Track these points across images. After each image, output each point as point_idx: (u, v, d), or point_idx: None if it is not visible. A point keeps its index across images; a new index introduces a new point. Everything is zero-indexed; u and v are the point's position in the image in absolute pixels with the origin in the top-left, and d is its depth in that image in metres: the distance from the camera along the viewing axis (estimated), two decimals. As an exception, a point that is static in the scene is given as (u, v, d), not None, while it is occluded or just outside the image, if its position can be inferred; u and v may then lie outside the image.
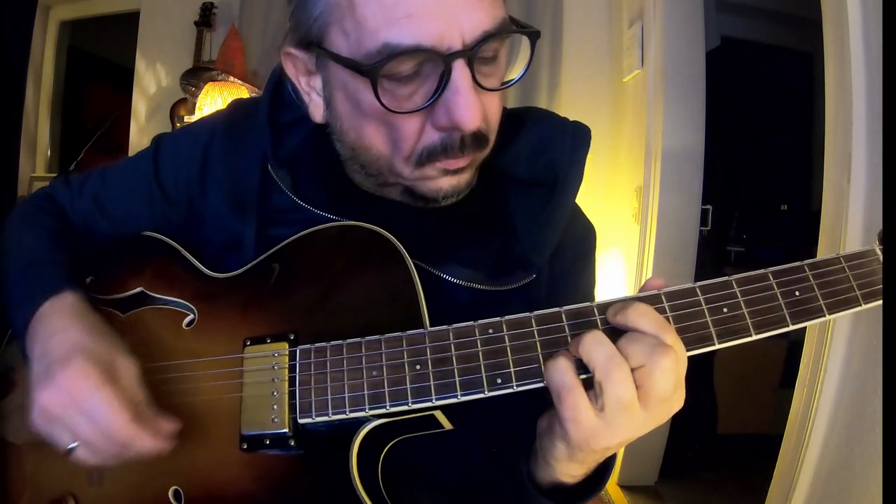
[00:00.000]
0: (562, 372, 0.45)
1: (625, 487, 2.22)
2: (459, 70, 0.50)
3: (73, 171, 2.94)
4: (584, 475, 0.53)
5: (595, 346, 0.45)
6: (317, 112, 0.61)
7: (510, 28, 0.53)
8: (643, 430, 0.46)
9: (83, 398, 0.50)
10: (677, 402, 0.46)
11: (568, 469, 0.51)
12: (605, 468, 0.54)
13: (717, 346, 0.48)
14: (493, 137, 0.59)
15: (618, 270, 2.35)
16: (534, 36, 0.55)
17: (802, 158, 3.04)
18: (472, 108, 0.51)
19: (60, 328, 0.55)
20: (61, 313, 0.57)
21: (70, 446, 0.51)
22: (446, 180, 0.59)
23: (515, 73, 0.60)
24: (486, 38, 0.51)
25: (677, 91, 2.04)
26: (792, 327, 0.48)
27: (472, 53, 0.50)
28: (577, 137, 0.66)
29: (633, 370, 0.44)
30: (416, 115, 0.53)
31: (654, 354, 0.44)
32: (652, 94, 2.08)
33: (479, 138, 0.56)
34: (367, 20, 0.50)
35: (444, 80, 0.51)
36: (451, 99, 0.51)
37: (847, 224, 1.12)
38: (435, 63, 0.51)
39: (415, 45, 0.49)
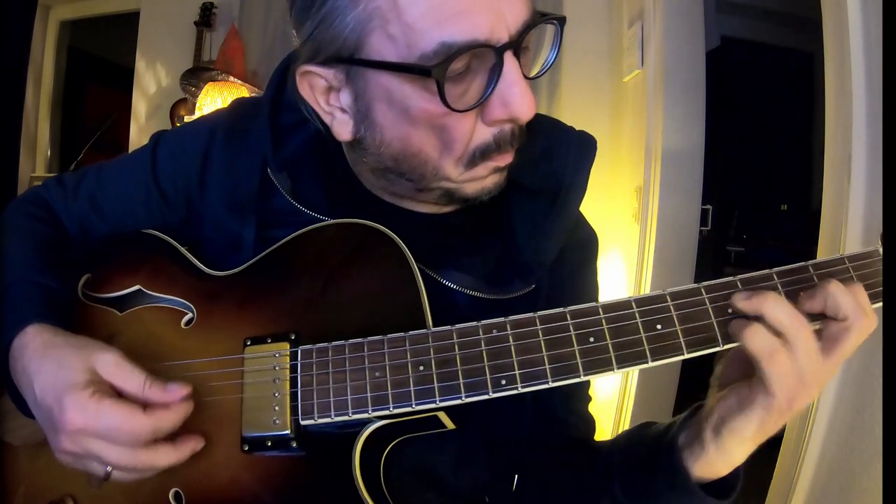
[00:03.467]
0: (763, 335, 0.46)
1: (625, 487, 2.22)
2: (510, 62, 0.51)
3: (72, 171, 2.93)
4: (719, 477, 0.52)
5: (779, 307, 0.47)
6: (343, 130, 0.58)
7: (541, 17, 0.53)
8: (823, 383, 0.49)
9: (92, 426, 0.50)
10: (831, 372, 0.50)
11: (743, 449, 0.51)
12: (735, 476, 0.54)
13: (723, 348, 0.48)
14: None
15: (618, 271, 2.34)
16: (561, 22, 0.55)
17: (802, 158, 3.05)
18: (527, 97, 0.52)
19: (34, 371, 0.53)
20: (29, 353, 0.55)
21: (107, 470, 0.52)
22: (491, 178, 0.59)
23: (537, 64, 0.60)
24: (528, 27, 0.51)
25: (677, 91, 2.03)
26: (797, 327, 0.48)
27: (518, 44, 0.51)
28: (582, 147, 0.66)
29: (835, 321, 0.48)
30: (469, 114, 0.53)
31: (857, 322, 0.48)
32: (652, 94, 2.08)
33: (523, 130, 0.57)
34: (417, 21, 0.49)
35: (497, 73, 0.51)
36: (507, 91, 0.51)
37: (847, 224, 1.12)
38: (483, 58, 0.51)
39: (471, 41, 0.49)
